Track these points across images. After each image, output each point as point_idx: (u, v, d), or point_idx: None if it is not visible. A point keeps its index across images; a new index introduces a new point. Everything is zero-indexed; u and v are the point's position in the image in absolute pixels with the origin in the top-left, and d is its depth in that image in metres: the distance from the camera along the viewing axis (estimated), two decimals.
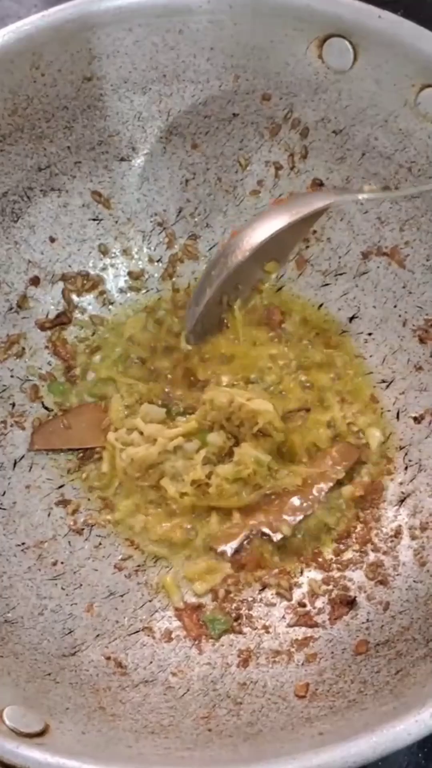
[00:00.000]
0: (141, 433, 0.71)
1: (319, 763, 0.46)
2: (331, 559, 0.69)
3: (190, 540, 0.70)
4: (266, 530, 0.70)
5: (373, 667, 0.59)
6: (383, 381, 0.75)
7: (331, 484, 0.71)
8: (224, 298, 0.74)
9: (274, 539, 0.69)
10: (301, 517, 0.70)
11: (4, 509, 0.69)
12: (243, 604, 0.67)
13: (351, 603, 0.66)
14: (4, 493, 0.70)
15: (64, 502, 0.71)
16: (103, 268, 0.79)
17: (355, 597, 0.66)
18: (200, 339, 0.75)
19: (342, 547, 0.69)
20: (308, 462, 0.72)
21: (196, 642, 0.65)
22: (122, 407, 0.74)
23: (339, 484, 0.71)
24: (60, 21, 0.68)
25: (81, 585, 0.67)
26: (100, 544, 0.70)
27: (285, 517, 0.70)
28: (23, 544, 0.68)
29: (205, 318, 0.74)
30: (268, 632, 0.65)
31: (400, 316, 0.75)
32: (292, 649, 0.64)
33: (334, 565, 0.69)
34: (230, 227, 0.79)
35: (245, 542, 0.70)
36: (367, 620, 0.64)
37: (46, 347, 0.76)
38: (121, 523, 0.70)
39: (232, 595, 0.67)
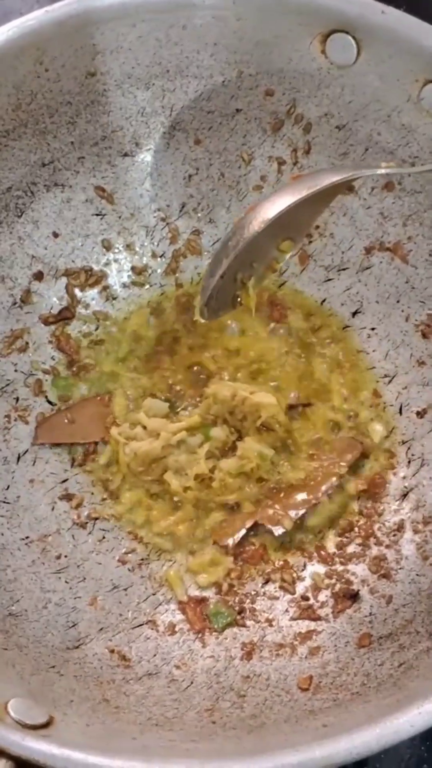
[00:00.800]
0: (144, 428, 0.72)
1: (323, 754, 0.46)
2: (334, 552, 0.69)
3: (193, 533, 0.70)
4: (268, 525, 0.70)
5: (376, 660, 0.59)
6: (386, 376, 0.75)
7: (334, 478, 0.71)
8: (238, 275, 0.74)
9: (275, 533, 0.69)
10: (303, 511, 0.70)
11: (8, 503, 0.69)
12: (246, 598, 0.67)
13: (354, 596, 0.66)
14: (8, 487, 0.70)
15: (67, 496, 0.71)
16: (107, 264, 0.79)
17: (358, 590, 0.66)
18: (214, 315, 0.73)
19: (345, 540, 0.70)
20: (311, 456, 0.72)
21: (200, 635, 0.65)
22: (125, 401, 0.74)
23: (342, 478, 0.72)
24: (63, 16, 0.68)
25: (85, 578, 0.67)
26: (104, 537, 0.70)
27: (287, 511, 0.70)
28: (27, 537, 0.68)
29: (220, 292, 0.72)
30: (271, 625, 0.66)
31: (402, 311, 0.75)
32: (296, 643, 0.64)
33: (337, 559, 0.69)
34: (233, 223, 0.79)
35: (249, 535, 0.70)
36: (370, 613, 0.64)
37: (50, 342, 0.76)
38: (125, 516, 0.71)
39: (235, 588, 0.68)
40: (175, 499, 0.71)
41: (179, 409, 0.74)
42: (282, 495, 0.71)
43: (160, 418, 0.72)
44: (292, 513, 0.70)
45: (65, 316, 0.77)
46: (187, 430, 0.71)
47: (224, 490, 0.70)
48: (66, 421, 0.74)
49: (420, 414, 0.73)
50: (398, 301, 0.75)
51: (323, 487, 0.71)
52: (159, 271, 0.80)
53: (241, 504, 0.71)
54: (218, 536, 0.70)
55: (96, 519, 0.71)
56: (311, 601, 0.67)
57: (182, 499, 0.71)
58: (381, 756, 0.65)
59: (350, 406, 0.74)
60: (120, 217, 0.78)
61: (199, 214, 0.79)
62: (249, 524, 0.70)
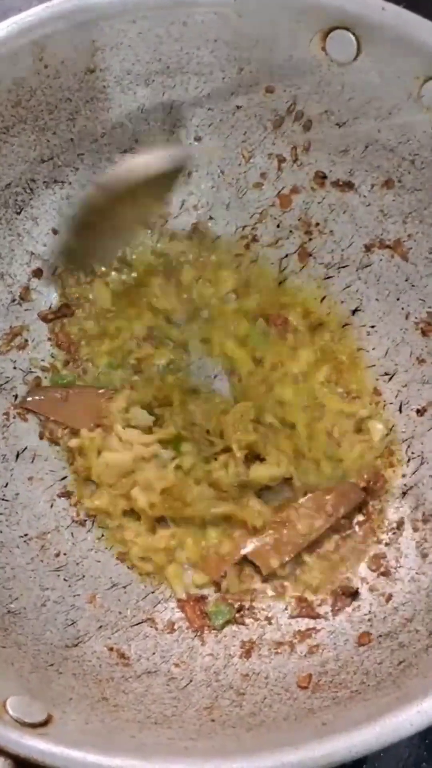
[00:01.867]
0: (120, 439, 0.71)
1: (322, 753, 0.46)
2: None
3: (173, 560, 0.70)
4: (257, 562, 0.69)
5: (375, 659, 0.59)
6: (386, 374, 0.75)
7: (327, 525, 0.70)
8: None
9: (263, 572, 0.69)
10: (292, 555, 0.69)
11: (7, 500, 0.69)
12: (245, 595, 0.67)
13: (353, 594, 0.66)
14: (7, 484, 0.70)
15: (66, 494, 0.71)
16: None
17: (358, 588, 0.66)
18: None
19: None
20: (306, 501, 0.71)
21: (199, 633, 0.65)
22: (124, 404, 0.74)
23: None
24: (63, 13, 0.68)
25: (83, 576, 0.67)
26: (103, 535, 0.70)
27: (279, 551, 0.69)
28: (26, 535, 0.68)
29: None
30: (270, 623, 0.66)
31: (402, 309, 0.75)
32: (295, 641, 0.64)
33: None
34: (233, 220, 0.79)
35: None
36: (370, 612, 0.65)
37: (49, 339, 0.76)
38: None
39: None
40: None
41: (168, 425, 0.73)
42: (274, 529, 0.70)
43: (136, 430, 0.72)
44: (284, 557, 0.69)
45: (64, 313, 0.77)
46: (161, 442, 0.71)
47: (196, 504, 0.69)
48: (59, 397, 0.73)
49: (420, 412, 0.72)
50: (398, 299, 0.75)
51: (314, 531, 0.70)
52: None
53: (233, 517, 0.70)
54: (204, 569, 0.69)
55: (95, 516, 0.70)
56: (310, 599, 0.67)
57: (145, 517, 0.70)
58: (380, 755, 0.65)
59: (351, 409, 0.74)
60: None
61: (199, 212, 0.79)
62: (237, 558, 0.69)
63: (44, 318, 0.76)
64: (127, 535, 0.70)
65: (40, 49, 0.68)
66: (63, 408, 0.73)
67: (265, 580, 0.68)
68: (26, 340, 0.75)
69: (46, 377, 0.75)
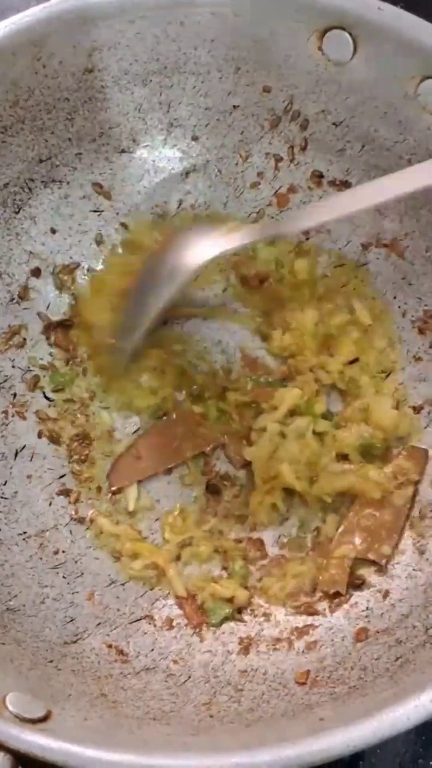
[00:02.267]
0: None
1: (320, 747, 0.46)
2: None
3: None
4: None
5: (373, 654, 0.59)
6: (382, 371, 0.75)
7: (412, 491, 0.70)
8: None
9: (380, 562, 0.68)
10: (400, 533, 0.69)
11: (6, 498, 0.69)
12: None
13: (359, 586, 0.66)
14: (6, 482, 0.70)
15: (65, 492, 0.71)
16: (105, 260, 0.79)
17: (365, 580, 0.66)
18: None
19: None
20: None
21: (197, 630, 0.65)
22: None
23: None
24: (61, 13, 0.68)
25: (82, 573, 0.68)
26: (101, 533, 0.70)
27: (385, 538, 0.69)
28: (25, 533, 0.68)
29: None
30: (268, 620, 0.66)
31: (399, 307, 0.75)
32: (293, 637, 0.64)
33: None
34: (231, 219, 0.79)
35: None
36: (367, 608, 0.65)
37: (47, 338, 0.76)
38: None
39: None
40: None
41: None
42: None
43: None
44: (394, 538, 0.68)
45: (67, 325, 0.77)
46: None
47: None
48: (134, 458, 0.73)
49: (416, 409, 0.73)
50: (395, 297, 0.75)
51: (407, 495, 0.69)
52: None
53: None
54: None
55: (93, 513, 0.71)
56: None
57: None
58: (377, 750, 0.66)
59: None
60: (117, 214, 0.78)
61: (197, 211, 0.79)
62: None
63: (46, 328, 0.76)
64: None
65: (38, 49, 0.68)
66: (141, 464, 0.73)
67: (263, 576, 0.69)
68: (24, 339, 0.75)
69: (44, 376, 0.75)
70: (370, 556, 0.67)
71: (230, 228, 0.67)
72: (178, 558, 0.69)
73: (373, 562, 0.67)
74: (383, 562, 0.67)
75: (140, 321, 0.71)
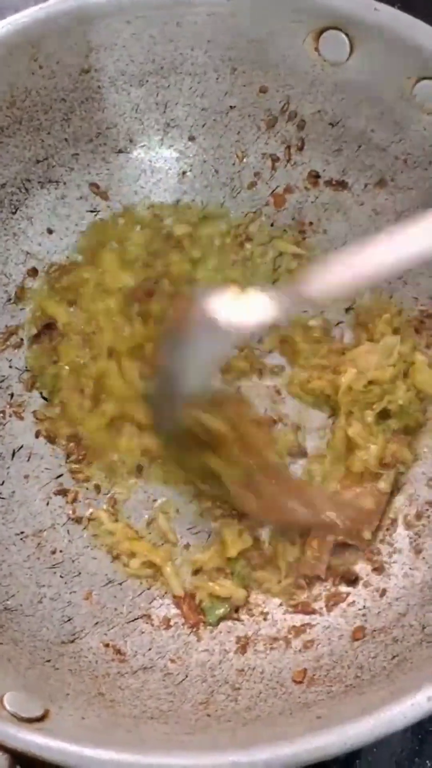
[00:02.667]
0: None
1: (317, 745, 0.46)
2: None
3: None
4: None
5: (370, 653, 0.60)
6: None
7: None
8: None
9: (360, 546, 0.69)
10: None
11: (3, 498, 0.69)
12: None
13: (352, 582, 0.66)
14: (3, 482, 0.70)
15: (62, 491, 0.71)
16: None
17: (357, 575, 0.67)
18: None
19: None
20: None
21: (195, 629, 0.66)
22: None
23: None
24: (58, 13, 0.68)
25: (80, 573, 0.68)
26: (100, 529, 0.70)
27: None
28: (22, 533, 0.68)
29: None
30: (265, 619, 0.66)
31: (395, 306, 0.75)
32: (290, 636, 0.64)
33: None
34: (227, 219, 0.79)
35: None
36: (364, 607, 0.65)
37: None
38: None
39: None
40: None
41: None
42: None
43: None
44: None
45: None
46: None
47: None
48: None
49: None
50: (391, 297, 0.75)
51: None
52: None
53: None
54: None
55: (91, 513, 0.71)
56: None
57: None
58: (374, 749, 0.66)
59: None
60: (114, 214, 0.78)
61: (193, 208, 0.79)
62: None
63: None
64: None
65: (35, 49, 0.68)
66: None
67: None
68: (22, 339, 0.75)
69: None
70: (350, 541, 0.68)
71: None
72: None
73: (358, 549, 0.68)
74: (363, 546, 0.68)
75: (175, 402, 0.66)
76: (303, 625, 0.65)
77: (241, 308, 0.57)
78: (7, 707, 0.50)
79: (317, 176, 0.77)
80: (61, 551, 0.68)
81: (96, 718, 0.54)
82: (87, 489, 0.72)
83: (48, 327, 0.75)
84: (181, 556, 0.69)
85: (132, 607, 0.67)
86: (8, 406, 0.73)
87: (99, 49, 0.71)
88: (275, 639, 0.64)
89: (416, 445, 0.71)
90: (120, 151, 0.77)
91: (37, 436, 0.73)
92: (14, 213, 0.74)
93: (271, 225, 0.78)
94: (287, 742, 0.47)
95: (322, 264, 0.56)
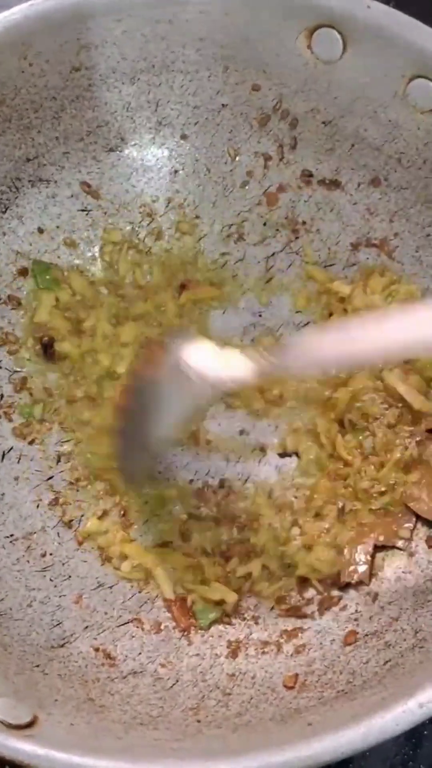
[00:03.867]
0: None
1: (309, 753, 0.46)
2: None
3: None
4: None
5: (362, 658, 0.59)
6: None
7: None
8: None
9: None
10: None
11: None
12: None
13: (344, 587, 0.66)
14: None
15: (53, 494, 0.71)
16: (93, 259, 0.78)
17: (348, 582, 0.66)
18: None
19: None
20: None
21: (186, 633, 0.65)
22: None
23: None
24: (48, 10, 0.67)
25: (70, 576, 0.67)
26: (90, 534, 0.69)
27: None
28: (12, 535, 0.68)
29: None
30: (257, 623, 0.66)
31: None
32: (281, 640, 0.64)
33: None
34: (219, 218, 0.78)
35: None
36: (356, 611, 0.64)
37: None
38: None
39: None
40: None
41: None
42: None
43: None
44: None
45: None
46: None
47: None
48: None
49: None
50: None
51: None
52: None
53: None
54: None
55: (81, 516, 0.70)
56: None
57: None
58: (366, 754, 0.65)
59: None
60: (105, 213, 0.78)
61: (185, 210, 0.79)
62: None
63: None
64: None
65: (25, 47, 0.68)
66: None
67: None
68: (9, 338, 0.74)
69: (32, 377, 0.74)
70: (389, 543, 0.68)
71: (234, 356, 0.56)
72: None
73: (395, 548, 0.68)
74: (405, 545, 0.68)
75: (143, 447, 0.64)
76: (295, 629, 0.64)
77: (216, 363, 0.55)
78: None
79: (310, 175, 0.76)
80: (51, 554, 0.68)
81: (85, 725, 0.53)
82: (77, 491, 0.71)
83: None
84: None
85: (122, 611, 0.66)
86: None
87: (90, 47, 0.70)
88: (267, 643, 0.64)
89: None
90: (111, 150, 0.76)
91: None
92: (4, 212, 0.74)
93: (264, 224, 0.78)
94: (278, 749, 0.46)
95: (309, 333, 0.54)
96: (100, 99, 0.73)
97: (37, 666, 0.59)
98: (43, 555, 0.68)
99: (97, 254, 0.77)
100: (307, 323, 0.76)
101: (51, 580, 0.66)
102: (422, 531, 0.67)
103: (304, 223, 0.78)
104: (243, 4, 0.69)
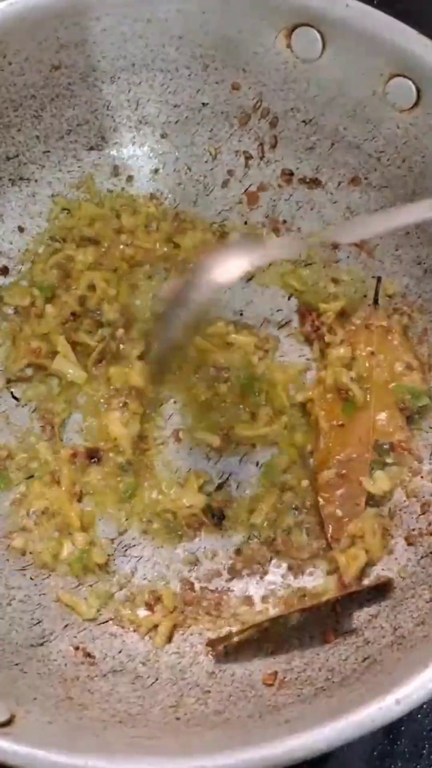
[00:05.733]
0: None
1: (285, 750, 0.46)
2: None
3: None
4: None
5: (341, 655, 0.60)
6: None
7: None
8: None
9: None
10: None
11: None
12: (213, 593, 0.67)
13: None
14: None
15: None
16: None
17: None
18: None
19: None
20: None
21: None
22: None
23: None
24: (27, 9, 0.67)
25: (49, 575, 0.67)
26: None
27: None
28: None
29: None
30: (237, 620, 0.66)
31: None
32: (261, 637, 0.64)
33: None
34: (200, 217, 0.78)
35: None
36: (336, 609, 0.64)
37: None
38: None
39: (201, 584, 0.67)
40: None
41: None
42: None
43: None
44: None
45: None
46: None
47: None
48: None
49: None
50: (365, 296, 0.75)
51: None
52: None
53: None
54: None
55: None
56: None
57: None
58: (344, 749, 0.65)
59: None
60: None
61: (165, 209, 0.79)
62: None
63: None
64: None
65: (4, 45, 0.67)
66: None
67: (231, 578, 0.68)
68: None
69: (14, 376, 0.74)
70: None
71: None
72: None
73: None
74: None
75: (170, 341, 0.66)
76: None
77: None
78: None
79: (291, 174, 0.76)
80: (30, 553, 0.68)
81: (64, 723, 0.53)
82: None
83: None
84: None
85: (102, 610, 0.66)
86: None
87: (69, 46, 0.70)
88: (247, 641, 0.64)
89: None
90: (92, 149, 0.76)
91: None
92: None
93: (245, 223, 0.78)
94: (254, 746, 0.47)
95: None
96: (81, 98, 0.73)
97: (16, 664, 0.59)
98: (23, 554, 0.67)
99: None
100: (288, 322, 0.76)
101: (31, 578, 0.66)
102: (401, 529, 0.67)
103: (284, 221, 0.78)
104: (221, 3, 0.69)
